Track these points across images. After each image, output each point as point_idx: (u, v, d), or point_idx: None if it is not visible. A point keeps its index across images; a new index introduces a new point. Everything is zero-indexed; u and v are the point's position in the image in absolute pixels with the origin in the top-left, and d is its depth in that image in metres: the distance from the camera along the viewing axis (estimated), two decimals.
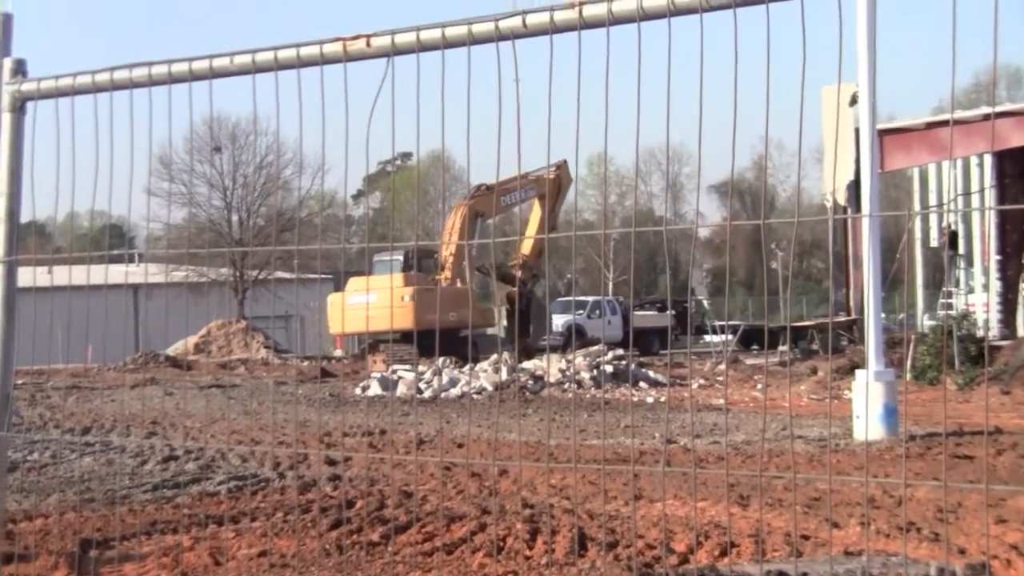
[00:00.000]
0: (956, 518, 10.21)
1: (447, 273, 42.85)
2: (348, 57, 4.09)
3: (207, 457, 15.07)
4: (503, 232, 70.71)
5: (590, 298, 55.22)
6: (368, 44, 4.02)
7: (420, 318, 38.00)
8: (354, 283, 38.73)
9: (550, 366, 31.18)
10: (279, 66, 4.22)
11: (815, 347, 41.40)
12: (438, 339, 30.56)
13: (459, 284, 42.56)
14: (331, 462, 14.33)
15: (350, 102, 4.15)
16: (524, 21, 3.78)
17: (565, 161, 43.36)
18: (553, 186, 44.73)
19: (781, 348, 39.99)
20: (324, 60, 4.13)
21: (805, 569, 7.39)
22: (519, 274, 44.55)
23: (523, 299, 44.87)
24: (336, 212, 61.67)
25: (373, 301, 36.29)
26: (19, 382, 29.39)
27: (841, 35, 3.66)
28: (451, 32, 3.88)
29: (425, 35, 3.92)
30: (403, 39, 3.96)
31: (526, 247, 45.28)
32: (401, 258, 43.20)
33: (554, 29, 3.74)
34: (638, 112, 3.76)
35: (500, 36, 3.80)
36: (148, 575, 8.41)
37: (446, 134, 4.06)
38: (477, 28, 3.84)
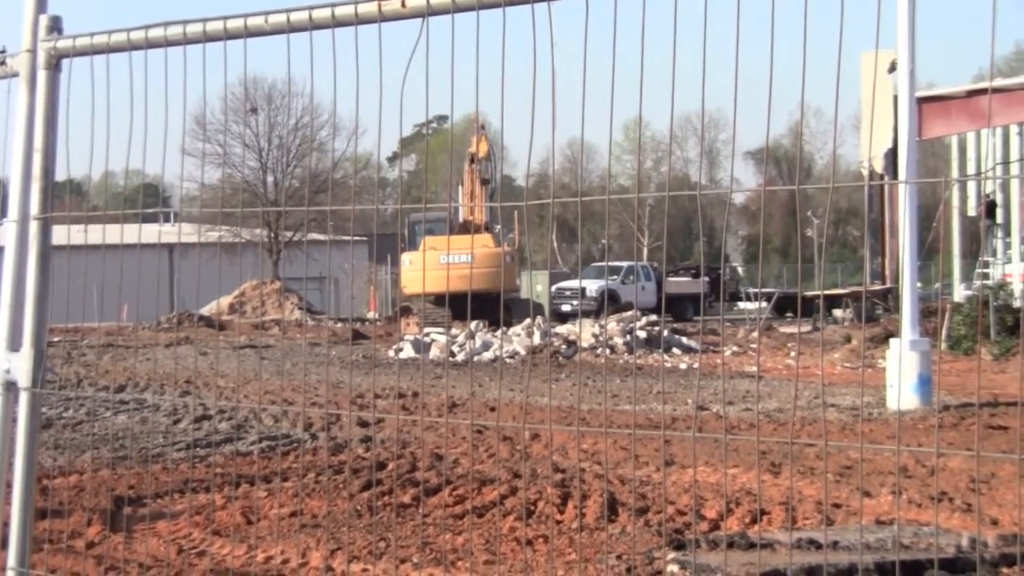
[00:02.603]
0: (989, 488, 10.17)
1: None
2: (383, 17, 4.06)
3: (240, 417, 15.17)
4: (539, 179, 70.73)
5: (624, 263, 55.06)
6: (403, 4, 4.00)
7: (514, 278, 38.43)
8: (434, 242, 38.57)
9: (583, 331, 31.16)
10: (314, 26, 4.20)
11: (848, 314, 41.22)
12: (469, 302, 30.54)
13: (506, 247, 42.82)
14: (363, 424, 14.39)
15: (385, 63, 4.14)
16: None
17: (482, 125, 44.02)
18: (489, 152, 45.06)
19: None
20: (359, 20, 4.11)
21: (836, 537, 7.38)
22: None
23: None
24: (371, 174, 61.67)
25: (468, 261, 36.34)
26: (54, 340, 29.60)
27: (879, 0, 3.62)
28: None
29: None
30: None
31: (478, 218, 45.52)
32: (446, 220, 43.28)
33: None
34: (673, 76, 3.73)
35: None
36: (180, 532, 8.47)
37: (481, 97, 4.04)
38: None
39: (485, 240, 40.14)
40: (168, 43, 4.53)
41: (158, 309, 46.18)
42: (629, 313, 33.91)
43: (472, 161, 43.68)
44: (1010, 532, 7.89)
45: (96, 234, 5.52)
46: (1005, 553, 7.11)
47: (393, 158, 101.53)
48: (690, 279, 55.59)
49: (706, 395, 19.45)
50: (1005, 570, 6.96)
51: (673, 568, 6.96)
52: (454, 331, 31.21)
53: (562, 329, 32.26)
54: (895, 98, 26.93)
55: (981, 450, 12.20)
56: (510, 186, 43.30)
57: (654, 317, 33.96)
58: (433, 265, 36.68)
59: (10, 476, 4.63)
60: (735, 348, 31.91)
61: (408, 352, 29.00)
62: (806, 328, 39.32)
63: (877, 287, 41.54)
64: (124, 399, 17.34)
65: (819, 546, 7.02)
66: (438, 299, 38.59)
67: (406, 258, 42.34)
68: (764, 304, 45.42)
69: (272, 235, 62.16)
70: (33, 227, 4.64)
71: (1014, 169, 44.47)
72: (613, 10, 3.76)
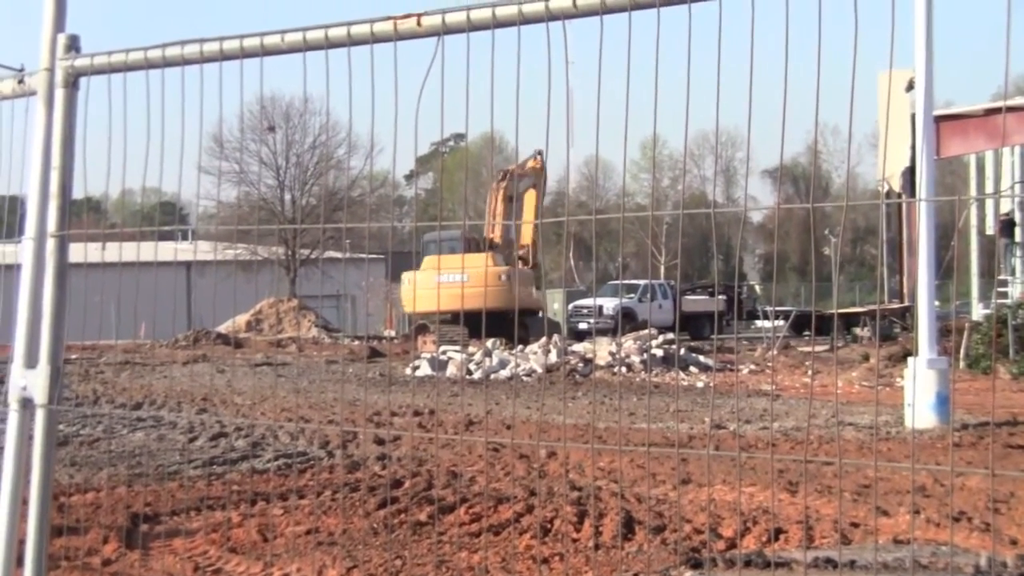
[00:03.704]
0: (1008, 508, 10.13)
1: (523, 254, 43.08)
2: (399, 36, 4.08)
3: (256, 434, 15.17)
4: (557, 196, 70.76)
5: (641, 282, 55.00)
6: (419, 23, 4.01)
7: (511, 297, 38.27)
8: (430, 262, 38.66)
9: (599, 349, 31.13)
10: (329, 44, 4.21)
11: (866, 333, 41.12)
12: (484, 320, 30.55)
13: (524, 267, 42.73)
14: (379, 441, 14.39)
15: (400, 82, 4.15)
16: (575, 2, 3.76)
17: (540, 152, 43.72)
18: (543, 174, 45.08)
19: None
20: (374, 39, 4.13)
21: (852, 556, 7.34)
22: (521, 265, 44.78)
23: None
24: (387, 192, 61.76)
25: (465, 280, 36.36)
26: (72, 357, 29.70)
27: (893, 19, 3.61)
28: (501, 12, 3.86)
29: (475, 14, 3.91)
30: (453, 18, 3.95)
31: (526, 236, 45.44)
32: (458, 238, 43.21)
33: (604, 10, 3.71)
34: (688, 95, 3.73)
35: (551, 16, 3.78)
36: (197, 550, 8.47)
37: (497, 115, 4.04)
38: (528, 8, 3.82)
39: (484, 259, 39.97)
40: (185, 61, 4.55)
41: (175, 327, 46.30)
42: (645, 331, 33.84)
43: (504, 178, 43.54)
44: None
45: (114, 251, 5.53)
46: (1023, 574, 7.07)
47: (410, 176, 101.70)
48: (707, 297, 55.51)
49: (723, 413, 19.40)
50: None
51: None
52: (471, 349, 31.20)
53: (579, 347, 32.24)
54: (913, 117, 26.89)
55: (999, 469, 12.14)
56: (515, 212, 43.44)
57: (671, 335, 33.90)
58: (432, 284, 36.95)
59: (26, 493, 4.64)
60: (752, 366, 31.85)
61: (425, 370, 29.01)
62: (825, 347, 39.22)
63: (895, 305, 41.45)
64: (141, 416, 17.37)
65: (836, 565, 6.99)
66: (455, 317, 38.64)
67: (406, 277, 42.53)
68: (781, 322, 45.32)
69: (289, 253, 62.31)
70: (50, 244, 4.66)
71: None
72: (628, 28, 3.77)
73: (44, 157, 4.68)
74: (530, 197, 46.44)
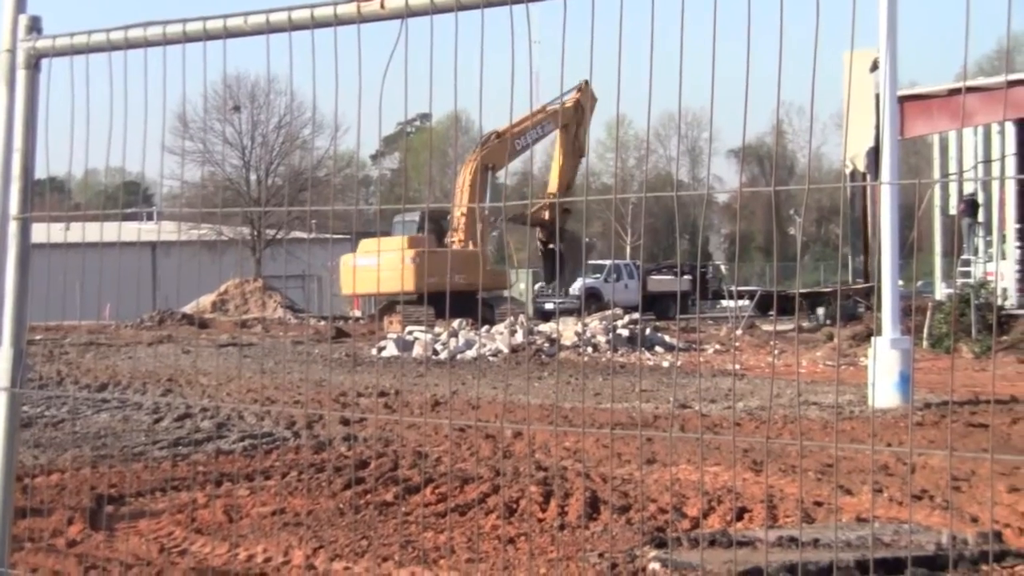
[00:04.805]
0: (969, 486, 10.21)
1: (460, 235, 42.69)
2: (362, 18, 4.07)
3: (222, 415, 15.14)
4: (522, 177, 70.38)
5: (607, 262, 55.08)
6: (382, 6, 4.00)
7: (422, 280, 37.76)
8: (364, 245, 38.64)
9: (565, 329, 31.18)
10: (293, 27, 4.20)
11: (831, 312, 41.32)
12: (448, 301, 30.59)
13: (471, 245, 42.39)
14: (345, 422, 14.38)
15: (365, 63, 4.14)
16: None
17: (587, 82, 41.98)
18: (576, 112, 44.31)
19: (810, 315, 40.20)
20: (338, 21, 4.12)
21: (816, 535, 7.40)
22: (546, 215, 44.33)
23: (558, 238, 44.83)
24: (353, 172, 61.61)
25: (382, 263, 36.30)
26: (36, 338, 29.53)
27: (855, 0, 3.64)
28: None
29: None
30: (417, 0, 3.94)
31: (552, 184, 45.09)
32: (417, 219, 42.97)
33: None
34: (651, 75, 3.74)
35: None
36: (162, 531, 8.46)
37: (462, 96, 4.05)
38: None
39: (397, 242, 39.54)
40: (148, 43, 4.52)
41: (140, 307, 46.05)
42: (611, 311, 33.91)
43: (487, 141, 42.81)
44: (990, 529, 7.93)
45: (77, 232, 5.51)
46: (985, 550, 7.15)
47: (375, 156, 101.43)
48: (672, 277, 55.65)
49: (689, 393, 19.47)
50: (984, 567, 7.01)
51: (654, 566, 6.98)
52: (437, 329, 31.18)
53: (544, 327, 32.26)
54: (877, 96, 27.02)
55: (961, 448, 12.25)
56: (491, 185, 42.80)
57: (636, 315, 33.98)
58: (363, 266, 37.02)
59: None
60: (717, 346, 31.96)
61: (390, 350, 28.98)
62: (788, 326, 39.40)
63: (858, 285, 41.64)
64: (106, 397, 17.31)
65: (799, 543, 7.04)
66: (421, 297, 38.57)
67: (342, 260, 42.52)
68: (746, 302, 45.46)
69: (254, 233, 62.05)
70: (12, 227, 4.64)
71: (995, 168, 44.54)
72: (591, 9, 3.77)
73: (6, 139, 4.65)
74: (559, 144, 45.45)
